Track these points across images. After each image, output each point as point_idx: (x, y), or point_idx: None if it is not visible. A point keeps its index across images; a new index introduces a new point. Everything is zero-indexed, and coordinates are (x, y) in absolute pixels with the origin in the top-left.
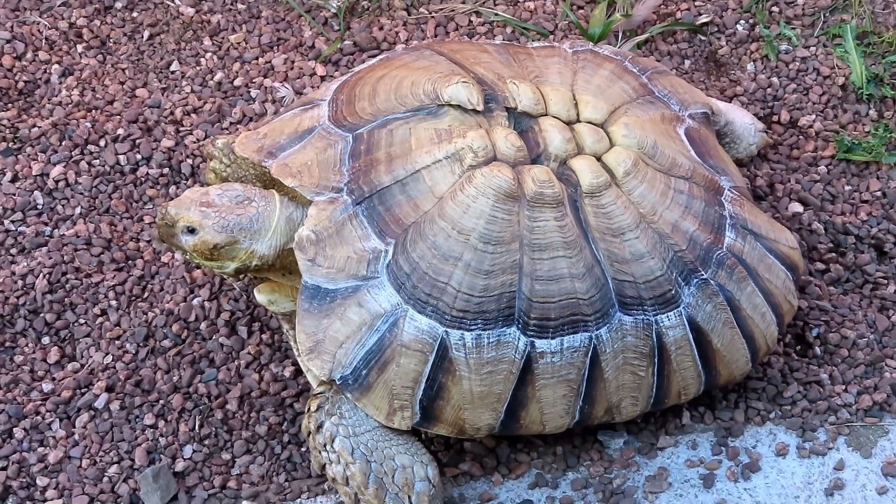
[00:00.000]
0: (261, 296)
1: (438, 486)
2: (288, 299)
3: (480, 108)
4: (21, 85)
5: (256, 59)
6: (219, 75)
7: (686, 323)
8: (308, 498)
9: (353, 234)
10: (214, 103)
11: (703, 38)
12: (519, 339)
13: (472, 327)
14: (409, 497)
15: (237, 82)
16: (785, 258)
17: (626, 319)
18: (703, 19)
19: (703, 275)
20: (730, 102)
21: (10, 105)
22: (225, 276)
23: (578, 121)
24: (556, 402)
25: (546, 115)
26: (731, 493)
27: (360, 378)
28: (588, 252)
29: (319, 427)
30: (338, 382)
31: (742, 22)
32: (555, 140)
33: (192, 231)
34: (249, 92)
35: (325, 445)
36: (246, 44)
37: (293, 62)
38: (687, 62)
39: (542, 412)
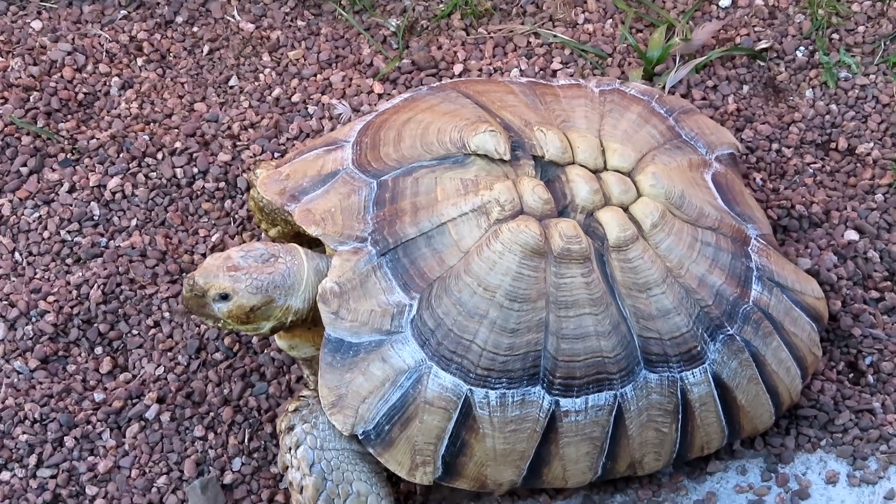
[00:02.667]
0: (281, 342)
1: None
2: (308, 344)
3: (507, 157)
4: (81, 97)
5: (315, 75)
6: (277, 91)
7: (711, 379)
8: None
9: (378, 287)
10: (272, 119)
11: (762, 63)
12: (544, 398)
13: (497, 386)
14: None
15: (295, 98)
16: (810, 310)
17: (652, 377)
18: (763, 45)
19: (728, 330)
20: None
21: (69, 116)
22: (256, 344)
23: (605, 168)
24: (580, 460)
25: (573, 163)
26: None
27: (383, 433)
28: (614, 309)
29: (291, 429)
30: (360, 437)
31: (802, 48)
32: (582, 191)
33: (225, 298)
34: (307, 108)
35: (290, 449)
36: (305, 60)
37: (351, 79)
38: (745, 87)
39: (565, 469)
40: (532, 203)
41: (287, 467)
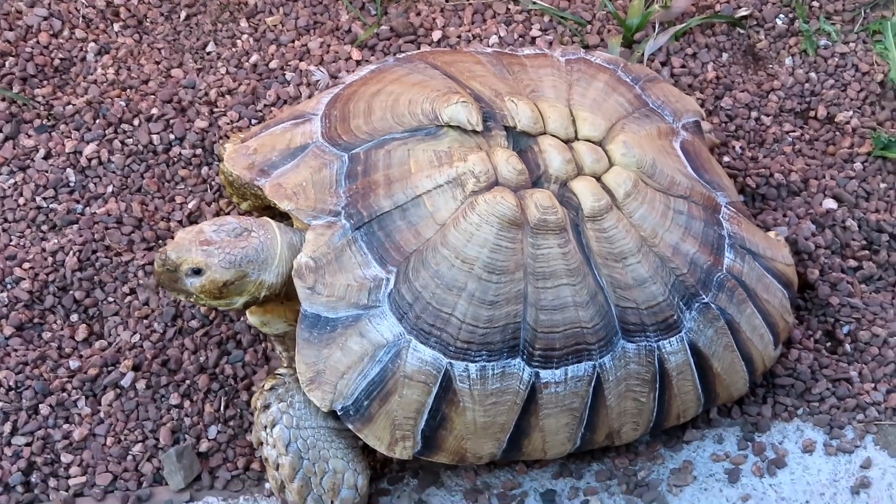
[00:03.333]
0: (253, 317)
1: (364, 497)
2: (280, 320)
3: (480, 128)
4: (57, 62)
5: (292, 41)
6: (254, 57)
7: (688, 348)
8: None
9: (353, 261)
10: (249, 85)
11: (741, 31)
12: (524, 370)
13: (477, 359)
14: (332, 501)
15: (272, 65)
16: (781, 276)
17: (630, 347)
18: (743, 12)
19: (704, 298)
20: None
21: (45, 82)
22: (231, 312)
23: (576, 138)
24: (559, 431)
25: (545, 133)
26: (755, 489)
27: (362, 409)
28: (591, 279)
29: (267, 407)
30: (339, 413)
31: (781, 16)
32: (555, 161)
33: (197, 272)
34: (285, 75)
35: (265, 427)
36: (282, 26)
37: (329, 46)
38: (725, 55)
39: (545, 440)
40: (507, 174)
41: (261, 443)
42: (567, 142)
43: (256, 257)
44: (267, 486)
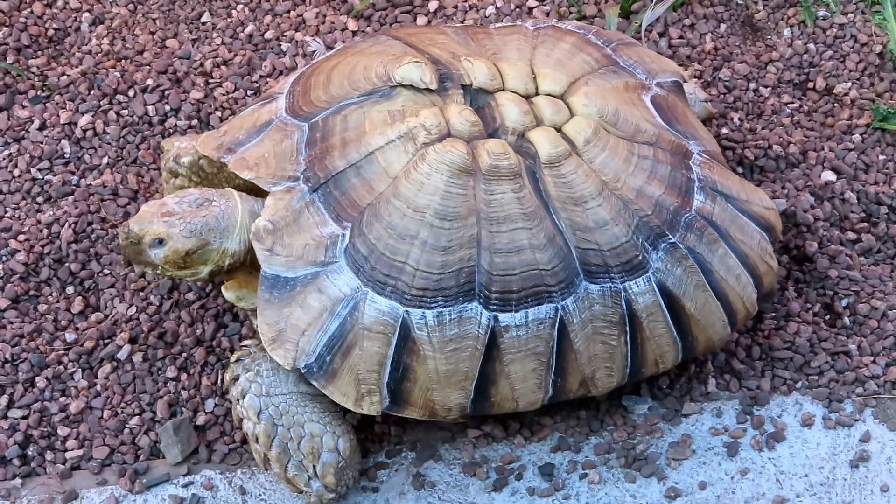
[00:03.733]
0: (228, 293)
1: (350, 459)
2: (255, 294)
3: (434, 86)
4: (51, 32)
5: (288, 12)
6: (250, 28)
7: (656, 288)
8: None
9: (311, 221)
10: (245, 56)
11: (739, 1)
12: (481, 313)
13: (433, 305)
14: (314, 466)
15: (268, 35)
16: (760, 219)
17: (593, 288)
18: None
19: (671, 238)
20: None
21: (39, 53)
22: (199, 283)
23: (537, 94)
24: (527, 377)
25: (503, 90)
26: (754, 462)
27: (325, 365)
28: (549, 222)
29: (235, 379)
30: (303, 371)
31: None
32: (511, 113)
33: (160, 243)
34: (280, 45)
35: (237, 400)
36: None
37: (325, 16)
38: (723, 26)
39: (513, 388)
40: (459, 126)
41: (241, 419)
42: (528, 97)
43: (217, 225)
44: None
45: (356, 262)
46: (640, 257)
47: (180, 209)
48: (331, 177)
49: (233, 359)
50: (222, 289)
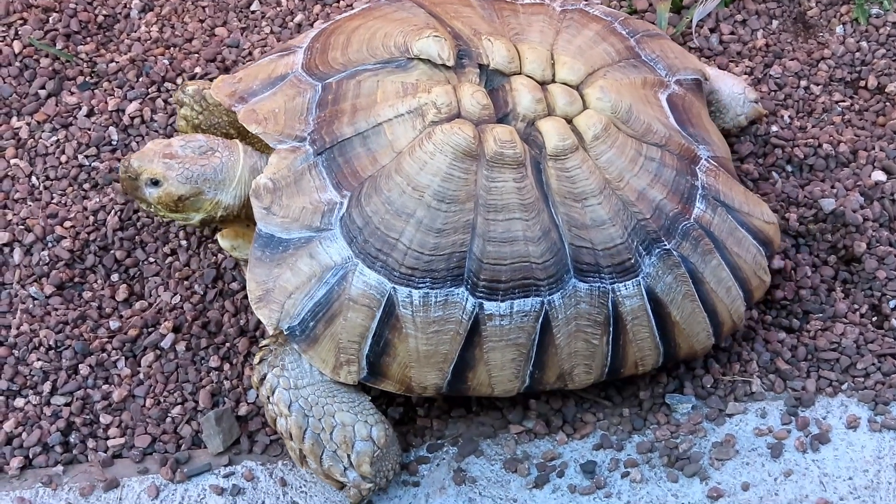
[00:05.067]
0: (224, 241)
1: (386, 448)
2: (250, 246)
3: (451, 63)
4: (101, 19)
5: (337, 1)
6: (299, 17)
7: (644, 293)
8: None
9: (311, 185)
10: None
11: None
12: (467, 299)
13: (420, 285)
14: (348, 455)
15: (317, 24)
16: (758, 233)
17: (582, 286)
18: None
19: (665, 245)
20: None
21: (88, 39)
22: (190, 228)
23: (553, 81)
24: (505, 366)
25: (520, 73)
26: (798, 464)
27: (308, 330)
28: (546, 216)
29: (262, 379)
30: (285, 332)
31: None
32: (524, 100)
33: (155, 183)
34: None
35: (268, 398)
36: None
37: None
38: (775, 22)
39: (490, 375)
40: (470, 107)
41: (275, 419)
42: (543, 84)
43: (214, 176)
44: None
45: (350, 232)
46: (632, 260)
47: (183, 153)
48: (336, 142)
49: (255, 360)
50: (218, 236)
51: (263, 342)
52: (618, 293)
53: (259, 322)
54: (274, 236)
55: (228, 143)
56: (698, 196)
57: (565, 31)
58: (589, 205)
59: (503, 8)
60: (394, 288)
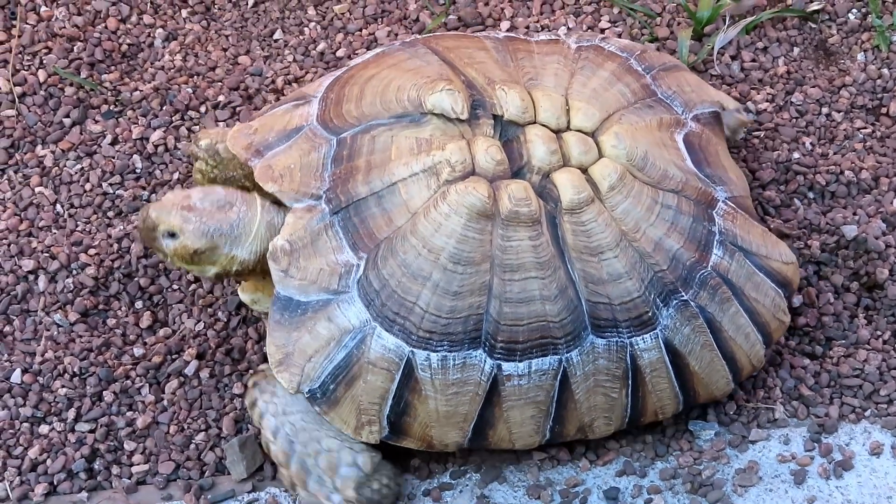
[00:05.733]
0: (244, 295)
1: (371, 472)
2: (270, 299)
3: (465, 116)
4: (125, 48)
5: (360, 30)
6: (321, 45)
7: (662, 346)
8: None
9: (328, 246)
10: (316, 73)
11: (813, 25)
12: (485, 361)
13: (438, 349)
14: (334, 480)
15: (339, 53)
16: (776, 275)
17: (599, 342)
18: (815, 6)
19: (683, 296)
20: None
21: (112, 68)
22: (206, 280)
23: (569, 128)
24: (525, 423)
25: (535, 122)
26: (822, 491)
27: (328, 392)
28: (562, 273)
29: (254, 404)
30: (305, 396)
31: (854, 11)
32: (539, 152)
33: (172, 235)
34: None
35: (259, 423)
36: (350, 14)
37: (396, 35)
38: (796, 49)
39: (511, 431)
40: (484, 164)
41: (268, 444)
42: (558, 132)
43: (230, 232)
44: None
45: (368, 295)
46: (649, 314)
47: (201, 206)
48: (352, 202)
49: (249, 384)
50: (238, 290)
51: (260, 367)
52: (636, 347)
53: None
54: (292, 299)
55: (247, 197)
56: (715, 242)
57: (580, 72)
58: (605, 259)
59: (518, 49)
60: (412, 351)
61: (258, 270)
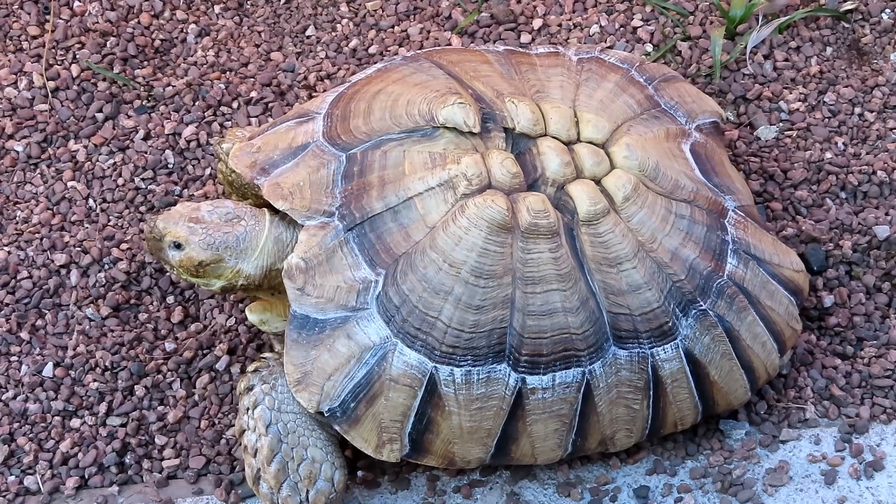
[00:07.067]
0: (252, 315)
1: (341, 492)
2: (280, 318)
3: (477, 130)
4: (157, 43)
5: (392, 27)
6: (354, 42)
7: (683, 355)
8: (422, 472)
9: (344, 263)
10: (348, 70)
11: (846, 25)
12: (510, 375)
13: (462, 363)
14: (308, 491)
15: (372, 50)
16: (789, 283)
17: (621, 353)
18: (848, 6)
19: (701, 305)
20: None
21: (146, 63)
22: (212, 294)
23: (579, 140)
24: (548, 437)
25: (545, 134)
26: (852, 491)
27: (349, 411)
28: (583, 284)
29: (249, 389)
30: (326, 414)
31: (888, 11)
32: (552, 164)
33: (178, 246)
34: (384, 60)
35: (248, 410)
36: (382, 11)
37: (429, 32)
38: (829, 49)
39: (534, 446)
40: (500, 177)
41: (243, 431)
42: (569, 144)
43: (236, 245)
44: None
45: (388, 311)
46: (669, 323)
47: (209, 218)
48: (367, 218)
49: (250, 369)
50: (247, 310)
51: (265, 354)
52: (657, 357)
53: None
54: (309, 317)
55: (256, 212)
56: (729, 251)
57: (585, 84)
58: (624, 269)
59: (521, 62)
60: (435, 367)
61: (265, 287)
